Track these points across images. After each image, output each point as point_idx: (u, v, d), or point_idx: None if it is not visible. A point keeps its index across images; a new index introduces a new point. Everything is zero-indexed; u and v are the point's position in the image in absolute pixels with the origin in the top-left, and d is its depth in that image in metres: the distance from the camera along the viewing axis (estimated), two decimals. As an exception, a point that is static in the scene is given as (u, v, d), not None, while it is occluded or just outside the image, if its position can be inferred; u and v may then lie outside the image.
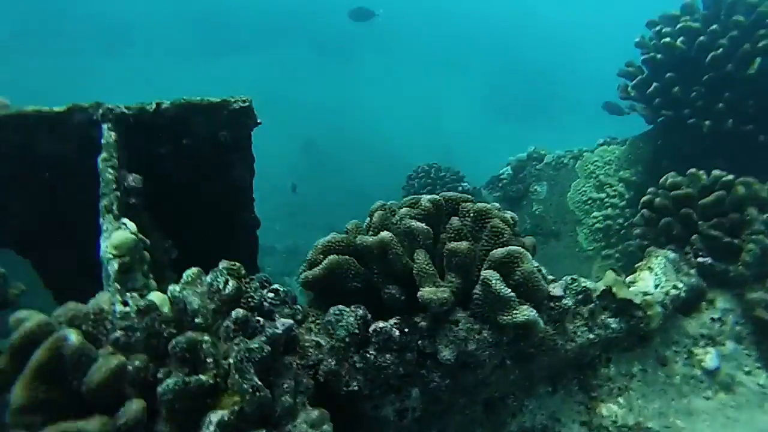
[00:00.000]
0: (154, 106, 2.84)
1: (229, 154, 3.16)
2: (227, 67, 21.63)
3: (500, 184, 7.21)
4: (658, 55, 5.78)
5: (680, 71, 5.64)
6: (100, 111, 2.72)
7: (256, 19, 27.08)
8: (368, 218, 2.51)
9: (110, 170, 2.53)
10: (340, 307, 2.12)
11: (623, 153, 6.58)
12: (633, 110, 6.29)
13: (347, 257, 2.22)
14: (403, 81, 26.79)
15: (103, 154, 2.57)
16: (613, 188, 6.49)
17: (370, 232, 2.33)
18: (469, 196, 2.52)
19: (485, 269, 2.11)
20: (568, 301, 2.40)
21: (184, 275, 2.02)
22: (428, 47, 30.14)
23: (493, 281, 2.00)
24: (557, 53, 31.02)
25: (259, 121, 3.09)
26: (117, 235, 2.37)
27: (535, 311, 2.02)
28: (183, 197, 3.24)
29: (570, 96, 27.85)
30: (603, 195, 6.54)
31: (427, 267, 2.12)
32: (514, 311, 2.01)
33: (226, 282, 1.94)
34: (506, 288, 2.00)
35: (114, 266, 2.32)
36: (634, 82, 6.11)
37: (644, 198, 3.93)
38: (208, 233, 3.47)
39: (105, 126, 2.68)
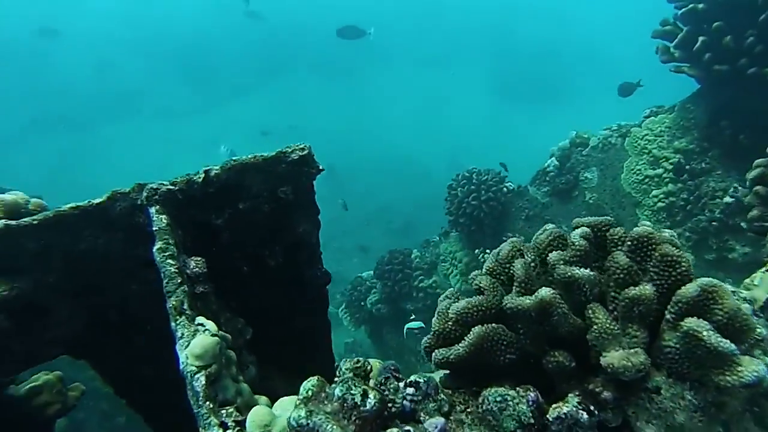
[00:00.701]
0: (202, 175, 2.38)
1: (292, 210, 2.69)
2: (234, 111, 21.29)
3: (547, 178, 6.71)
4: (700, 5, 5.26)
5: (729, 18, 5.11)
6: (144, 194, 2.27)
7: (249, 60, 26.75)
8: (491, 263, 2.02)
9: (170, 261, 2.08)
10: (500, 391, 1.64)
11: (674, 121, 6.06)
12: (680, 72, 5.76)
13: (496, 326, 1.73)
14: (408, 85, 26.34)
15: (158, 244, 2.11)
16: (670, 161, 5.96)
17: (516, 289, 1.84)
18: (611, 219, 2.01)
19: (672, 312, 1.62)
20: (762, 330, 1.88)
21: (302, 390, 1.56)
22: (427, 46, 29.64)
23: (705, 333, 1.49)
24: (559, 29, 30.43)
25: (321, 167, 2.63)
26: (197, 342, 1.91)
27: (763, 364, 1.52)
28: (246, 265, 2.79)
29: (580, 71, 27.28)
30: (660, 170, 6.02)
31: (611, 327, 1.63)
32: (739, 368, 1.50)
33: (364, 395, 1.47)
34: (724, 340, 1.49)
35: (201, 381, 1.86)
36: (675, 41, 5.59)
37: (752, 173, 3.37)
38: (275, 299, 3.01)
39: (152, 210, 2.23)
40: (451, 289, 2.08)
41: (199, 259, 2.27)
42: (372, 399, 1.46)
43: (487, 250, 6.89)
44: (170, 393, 2.19)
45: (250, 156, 2.46)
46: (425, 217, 16.63)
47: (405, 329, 7.79)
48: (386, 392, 1.56)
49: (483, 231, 6.95)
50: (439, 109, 24.51)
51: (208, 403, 1.86)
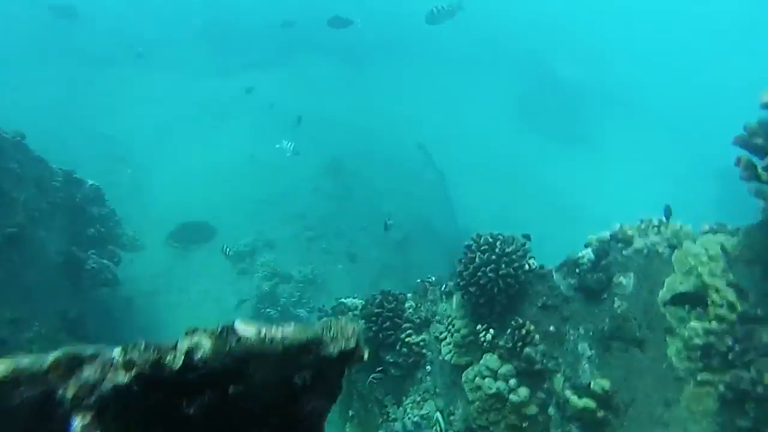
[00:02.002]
0: (180, 357, 1.39)
1: (304, 393, 1.72)
2: (247, 83, 20.12)
3: (577, 270, 5.77)
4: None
5: None
6: (71, 390, 1.27)
7: (271, 36, 25.46)
8: None
9: None
10: None
11: (735, 247, 5.15)
12: (764, 198, 4.85)
13: None
14: (430, 91, 25.22)
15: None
16: (720, 294, 5.04)
17: None
18: None
19: None
20: None
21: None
22: (455, 55, 28.45)
23: None
24: (593, 69, 29.48)
25: (364, 358, 1.66)
26: None
27: None
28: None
29: (607, 115, 26.39)
30: (709, 299, 5.11)
31: None
32: None
33: None
34: None
35: None
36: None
37: None
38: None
39: (78, 425, 1.23)
40: None
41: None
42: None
43: (491, 329, 5.98)
44: None
45: (263, 333, 1.47)
46: (424, 239, 15.71)
47: (369, 378, 6.93)
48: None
49: (492, 307, 6.02)
50: (458, 122, 23.47)
51: None
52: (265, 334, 1.48)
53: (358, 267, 13.32)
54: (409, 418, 6.87)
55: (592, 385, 5.31)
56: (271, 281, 12.58)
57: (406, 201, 16.61)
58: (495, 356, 5.80)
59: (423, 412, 6.72)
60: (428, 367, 6.83)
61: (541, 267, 6.09)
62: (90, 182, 10.54)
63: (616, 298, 5.53)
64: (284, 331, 1.51)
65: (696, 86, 30.09)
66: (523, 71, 28.25)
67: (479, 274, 5.96)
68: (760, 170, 4.76)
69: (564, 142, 24.26)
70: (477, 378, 5.78)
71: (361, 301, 8.17)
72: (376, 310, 7.02)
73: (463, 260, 6.17)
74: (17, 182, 8.55)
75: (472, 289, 6.04)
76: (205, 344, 1.45)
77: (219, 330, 1.53)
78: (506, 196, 19.42)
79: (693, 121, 26.69)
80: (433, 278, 7.58)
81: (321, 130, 17.92)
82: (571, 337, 5.69)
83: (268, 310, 11.61)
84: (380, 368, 6.99)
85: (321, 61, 25.79)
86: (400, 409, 7.07)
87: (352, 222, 15.33)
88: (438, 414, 5.81)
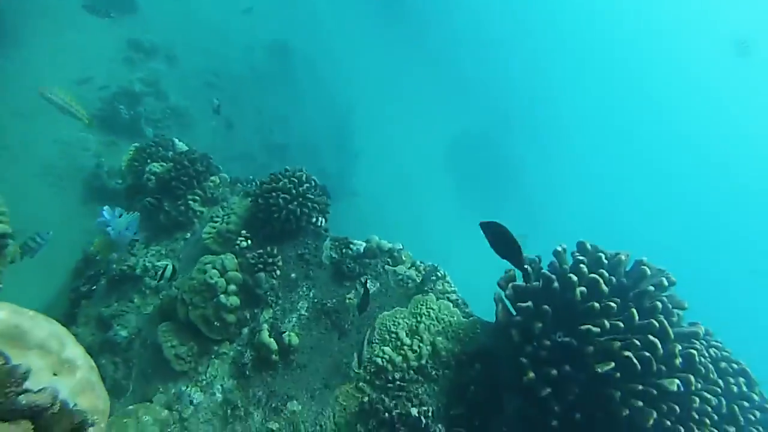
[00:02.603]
0: None
1: None
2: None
3: (344, 250, 6.06)
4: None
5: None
6: None
7: None
8: None
9: None
10: None
11: (458, 324, 5.62)
12: (497, 304, 5.33)
13: None
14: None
15: None
16: (420, 344, 5.50)
17: None
18: None
19: None
20: None
21: None
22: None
23: None
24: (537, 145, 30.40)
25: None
26: None
27: None
28: None
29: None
30: (407, 341, 5.55)
31: None
32: None
33: None
34: None
35: None
36: (517, 283, 5.14)
37: None
38: None
39: None
40: None
41: None
42: None
43: (249, 241, 6.14)
44: None
45: None
46: (297, 159, 15.68)
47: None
48: None
49: (263, 226, 6.19)
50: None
51: None
52: None
53: (227, 137, 13.05)
54: (144, 261, 6.93)
55: (285, 335, 5.62)
56: (147, 88, 12.06)
57: (314, 121, 16.50)
58: (235, 261, 5.96)
59: (158, 263, 6.80)
60: (188, 235, 6.92)
61: (325, 230, 6.34)
62: None
63: (353, 291, 5.87)
64: None
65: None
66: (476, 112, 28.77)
67: (274, 194, 6.11)
68: (509, 286, 5.24)
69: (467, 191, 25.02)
70: (209, 265, 5.92)
71: (186, 148, 8.09)
72: (185, 162, 7.01)
73: (272, 176, 6.30)
74: None
75: (260, 201, 6.18)
76: None
77: None
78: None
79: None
80: (257, 180, 7.66)
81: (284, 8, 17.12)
82: (301, 293, 5.97)
83: (121, 106, 11.10)
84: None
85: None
86: (145, 249, 7.12)
87: (255, 100, 14.99)
88: (170, 265, 5.85)
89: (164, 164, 7.54)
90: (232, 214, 6.54)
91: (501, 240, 4.26)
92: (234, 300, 5.76)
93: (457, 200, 24.77)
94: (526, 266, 4.49)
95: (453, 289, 6.15)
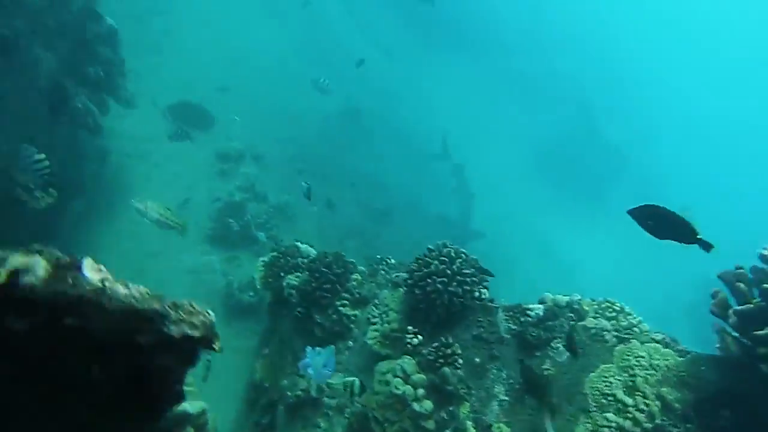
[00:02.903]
0: (3, 274, 1.08)
1: (155, 352, 1.41)
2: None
3: (522, 319, 5.51)
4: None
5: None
6: None
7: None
8: None
9: None
10: None
11: (677, 366, 4.92)
12: (721, 336, 4.64)
13: None
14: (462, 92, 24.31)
15: None
16: (646, 402, 4.84)
17: None
18: None
19: None
20: None
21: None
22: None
23: None
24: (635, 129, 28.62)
25: (216, 349, 1.37)
26: None
27: None
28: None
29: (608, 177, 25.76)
30: (630, 401, 4.90)
31: None
32: None
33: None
34: None
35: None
36: (741, 308, 4.43)
37: None
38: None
39: None
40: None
41: None
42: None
43: (420, 336, 5.73)
44: None
45: (106, 285, 1.15)
46: (407, 220, 15.33)
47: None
48: None
49: (428, 316, 5.77)
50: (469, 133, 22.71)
51: None
52: (108, 288, 1.16)
53: (332, 218, 12.91)
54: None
55: (493, 427, 5.13)
56: (246, 194, 12.15)
57: (405, 176, 16.18)
58: (414, 362, 5.56)
59: (330, 381, 6.51)
60: (350, 343, 6.61)
61: (491, 300, 5.83)
62: (109, 21, 9.75)
63: (547, 360, 5.30)
64: (129, 292, 1.19)
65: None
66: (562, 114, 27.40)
67: (429, 280, 5.68)
68: (729, 313, 4.55)
69: (574, 196, 23.85)
70: (389, 374, 5.54)
71: (314, 252, 7.88)
72: (322, 269, 6.74)
73: (419, 260, 5.87)
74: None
75: (417, 291, 5.76)
76: (39, 271, 1.14)
77: (62, 261, 1.19)
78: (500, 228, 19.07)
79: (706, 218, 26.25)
80: (393, 261, 7.31)
81: (349, 77, 17.11)
82: (492, 376, 5.47)
83: (230, 219, 11.21)
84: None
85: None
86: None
87: (345, 173, 14.85)
88: (357, 381, 5.48)
89: (299, 274, 7.32)
90: (390, 311, 6.17)
91: (662, 220, 3.73)
92: (428, 405, 5.33)
93: (569, 209, 23.60)
94: (706, 241, 3.76)
95: (639, 319, 5.48)
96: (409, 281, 5.93)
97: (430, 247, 5.96)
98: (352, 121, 16.89)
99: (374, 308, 6.50)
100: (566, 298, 5.50)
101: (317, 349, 5.13)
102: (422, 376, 5.45)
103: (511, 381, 5.36)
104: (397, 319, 6.06)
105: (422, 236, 13.95)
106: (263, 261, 7.98)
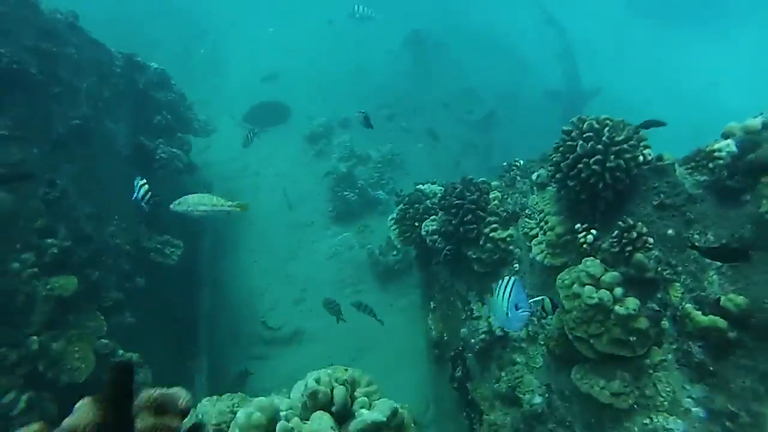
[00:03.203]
0: None
1: None
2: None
3: (711, 165, 4.43)
4: None
5: None
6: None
7: None
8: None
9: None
10: None
11: None
12: None
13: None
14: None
15: None
16: None
17: None
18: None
19: None
20: None
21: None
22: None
23: None
24: None
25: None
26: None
27: None
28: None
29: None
30: None
31: None
32: None
33: None
34: None
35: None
36: None
37: None
38: None
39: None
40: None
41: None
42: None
43: (593, 230, 4.83)
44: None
45: None
46: (509, 114, 14.18)
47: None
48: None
49: (595, 205, 4.85)
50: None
51: None
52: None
53: (440, 146, 12.14)
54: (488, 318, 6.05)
55: (722, 301, 4.17)
56: (349, 162, 11.67)
57: (491, 75, 14.90)
58: (597, 261, 4.69)
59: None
60: (516, 265, 5.85)
61: (660, 158, 4.78)
62: (154, 66, 9.58)
63: (764, 201, 4.19)
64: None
65: None
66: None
67: (580, 165, 4.73)
68: None
69: (684, 23, 21.03)
70: (575, 285, 4.72)
71: (440, 188, 7.17)
72: (456, 201, 6.00)
73: (560, 148, 4.93)
74: (76, 70, 7.59)
75: (571, 183, 4.84)
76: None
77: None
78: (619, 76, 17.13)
79: None
80: (521, 161, 6.43)
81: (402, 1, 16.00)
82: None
83: (345, 192, 10.83)
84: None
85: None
86: (485, 306, 6.25)
87: (433, 99, 13.92)
88: (547, 299, 4.74)
89: (434, 217, 6.66)
90: (547, 216, 5.31)
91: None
92: (632, 303, 4.46)
93: (680, 35, 20.73)
94: None
95: None
96: (557, 175, 5.03)
97: (565, 128, 4.99)
98: (416, 46, 15.81)
99: (528, 220, 5.67)
100: (758, 120, 4.31)
101: (498, 287, 4.19)
102: (613, 273, 4.57)
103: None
104: (559, 221, 5.19)
105: (537, 122, 12.81)
106: (392, 218, 7.44)
